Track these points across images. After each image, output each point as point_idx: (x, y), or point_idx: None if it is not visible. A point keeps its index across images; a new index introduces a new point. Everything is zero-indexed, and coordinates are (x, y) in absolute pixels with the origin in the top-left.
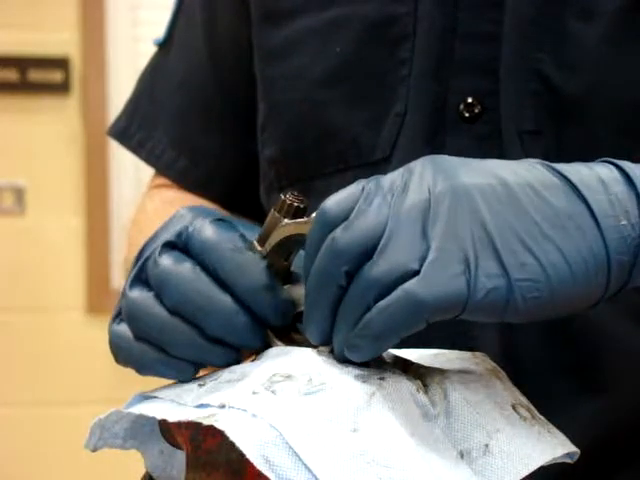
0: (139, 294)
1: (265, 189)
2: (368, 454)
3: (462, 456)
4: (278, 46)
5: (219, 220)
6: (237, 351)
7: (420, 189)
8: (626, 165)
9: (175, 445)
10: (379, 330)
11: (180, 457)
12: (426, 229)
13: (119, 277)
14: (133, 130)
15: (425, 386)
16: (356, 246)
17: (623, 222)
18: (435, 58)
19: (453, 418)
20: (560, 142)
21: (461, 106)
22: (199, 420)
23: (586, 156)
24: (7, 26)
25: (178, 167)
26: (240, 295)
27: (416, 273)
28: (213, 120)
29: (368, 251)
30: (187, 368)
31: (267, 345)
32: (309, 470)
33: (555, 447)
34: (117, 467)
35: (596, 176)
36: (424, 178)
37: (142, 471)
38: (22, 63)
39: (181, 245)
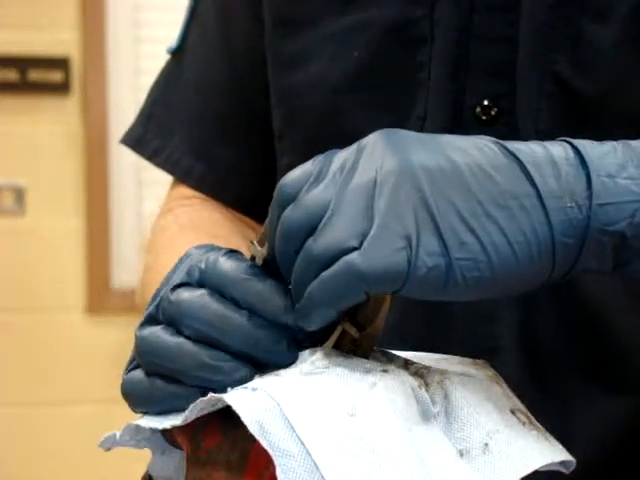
0: (150, 331)
1: None
2: (362, 439)
3: (461, 455)
4: (295, 53)
5: (230, 252)
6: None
7: (368, 168)
8: (581, 144)
9: (175, 445)
10: (320, 299)
11: (177, 456)
12: (369, 208)
13: (119, 277)
14: (149, 138)
15: (427, 385)
16: (300, 226)
17: (570, 204)
18: (452, 61)
19: (453, 417)
20: None
21: (477, 109)
22: (199, 401)
23: None
24: (7, 26)
25: (196, 173)
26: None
27: (355, 249)
28: (229, 127)
29: (312, 230)
30: (194, 395)
31: None
32: (302, 443)
33: (553, 453)
34: (117, 467)
35: (548, 156)
36: (373, 156)
37: (142, 471)
38: (22, 63)
39: (193, 282)
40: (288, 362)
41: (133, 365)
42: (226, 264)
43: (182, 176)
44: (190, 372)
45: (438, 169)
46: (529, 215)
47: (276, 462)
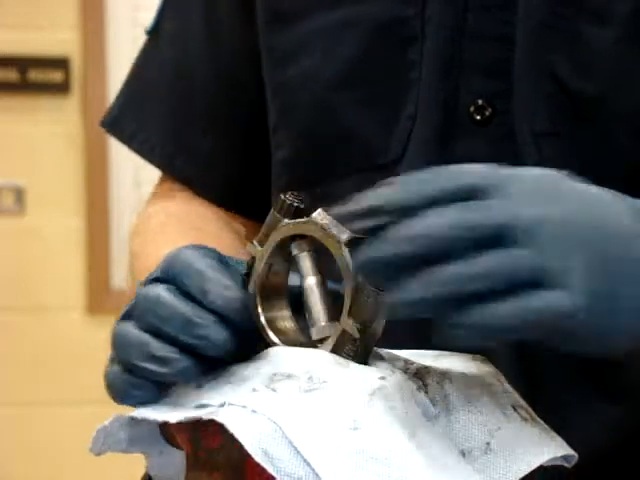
0: (123, 325)
1: (278, 191)
2: (367, 452)
3: (464, 455)
4: (288, 48)
5: (197, 246)
6: (197, 362)
7: (552, 207)
8: None
9: (175, 445)
10: (489, 326)
11: (178, 457)
12: (547, 249)
13: (119, 277)
14: (125, 121)
15: (426, 385)
16: (486, 226)
17: None
18: (445, 60)
19: (454, 417)
20: (576, 144)
21: (471, 108)
22: (199, 416)
23: (602, 157)
24: (7, 26)
25: (176, 164)
26: (201, 299)
27: (528, 285)
28: (208, 118)
29: (504, 237)
30: (150, 388)
31: (267, 345)
32: (308, 464)
33: (555, 448)
34: (117, 467)
35: None
36: (550, 194)
37: (142, 472)
38: (22, 63)
39: (165, 277)
40: (226, 352)
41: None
42: (186, 253)
43: (159, 165)
44: (139, 363)
45: (604, 230)
46: None
47: None
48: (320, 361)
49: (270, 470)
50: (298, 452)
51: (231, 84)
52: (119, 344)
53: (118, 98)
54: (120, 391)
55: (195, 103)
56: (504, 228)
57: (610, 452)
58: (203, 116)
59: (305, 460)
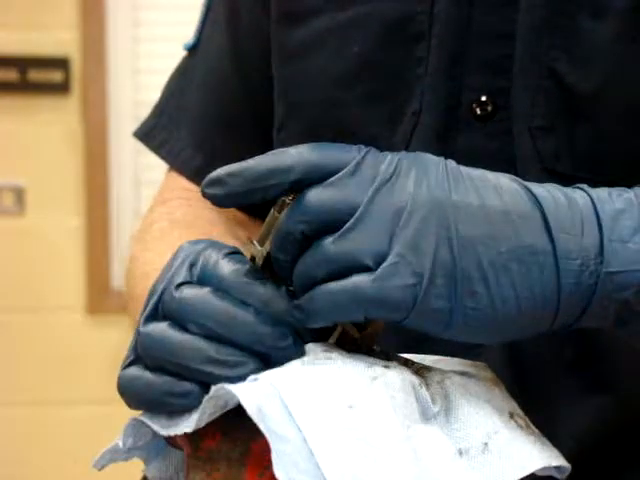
0: (154, 326)
1: None
2: (359, 432)
3: (461, 454)
4: (297, 46)
5: (230, 253)
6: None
7: (402, 191)
8: (599, 198)
9: (175, 445)
10: (321, 309)
11: (178, 457)
12: (393, 231)
13: (119, 277)
14: (157, 131)
15: (427, 384)
16: (324, 212)
17: (582, 268)
18: (450, 57)
19: (453, 417)
20: (572, 139)
21: (474, 104)
22: (205, 402)
23: (600, 153)
24: (7, 26)
25: (193, 165)
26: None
27: (368, 269)
28: (232, 122)
29: (332, 223)
30: (195, 391)
31: None
32: (299, 430)
33: (550, 457)
34: (117, 467)
35: (570, 211)
36: (408, 181)
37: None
38: (22, 63)
39: (194, 281)
40: (295, 357)
41: (130, 361)
42: (226, 267)
43: (180, 167)
44: (196, 366)
45: (468, 210)
46: (542, 273)
47: (272, 446)
48: (326, 346)
49: (261, 427)
50: (291, 416)
51: (252, 89)
52: (159, 347)
53: (154, 110)
54: (155, 396)
55: (218, 110)
56: (345, 213)
57: (597, 445)
58: (224, 121)
59: (297, 425)
